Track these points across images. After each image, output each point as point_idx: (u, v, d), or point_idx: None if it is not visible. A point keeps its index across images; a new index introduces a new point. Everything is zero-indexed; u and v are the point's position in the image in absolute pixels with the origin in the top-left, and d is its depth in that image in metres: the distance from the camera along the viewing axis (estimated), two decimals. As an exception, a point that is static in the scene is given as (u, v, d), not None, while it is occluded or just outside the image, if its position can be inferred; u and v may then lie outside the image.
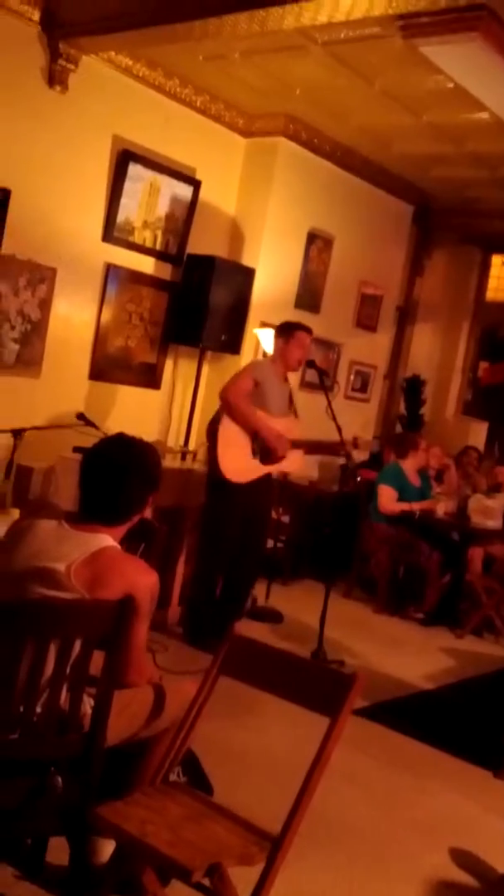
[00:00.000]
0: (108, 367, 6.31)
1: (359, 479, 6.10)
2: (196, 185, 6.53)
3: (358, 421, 6.43)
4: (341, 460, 5.50)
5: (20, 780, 2.24)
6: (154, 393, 6.70)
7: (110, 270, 6.18)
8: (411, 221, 8.44)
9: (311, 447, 5.21)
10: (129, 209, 6.18)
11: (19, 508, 4.42)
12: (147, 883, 2.31)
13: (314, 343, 5.39)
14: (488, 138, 6.35)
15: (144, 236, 6.36)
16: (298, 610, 5.78)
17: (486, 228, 8.49)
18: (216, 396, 5.02)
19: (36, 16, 5.41)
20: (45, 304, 5.79)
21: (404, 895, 2.86)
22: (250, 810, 2.32)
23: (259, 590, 5.92)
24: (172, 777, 2.45)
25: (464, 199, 8.10)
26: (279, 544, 6.66)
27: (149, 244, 6.39)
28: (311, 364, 5.25)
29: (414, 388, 8.90)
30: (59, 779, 2.26)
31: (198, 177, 6.57)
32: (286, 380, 5.20)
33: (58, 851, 2.55)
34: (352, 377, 8.08)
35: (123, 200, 6.10)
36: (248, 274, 6.69)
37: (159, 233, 6.44)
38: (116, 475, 2.45)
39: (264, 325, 6.71)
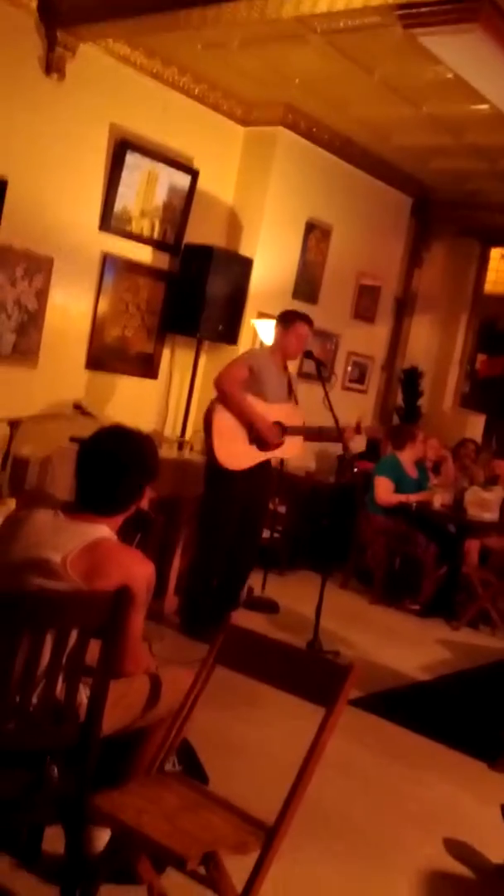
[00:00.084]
0: (105, 356, 6.30)
1: (356, 470, 6.11)
2: (194, 174, 6.51)
3: (355, 412, 6.42)
4: (339, 451, 5.49)
5: (16, 771, 2.24)
6: (151, 383, 6.69)
7: (107, 260, 6.16)
8: (410, 213, 8.41)
9: (310, 434, 5.20)
10: (127, 198, 6.15)
11: (16, 498, 4.42)
12: (142, 871, 2.32)
13: (312, 333, 5.37)
14: (488, 130, 6.32)
15: (142, 226, 6.33)
16: (295, 600, 5.79)
17: (485, 221, 8.47)
18: (213, 386, 5.02)
19: (33, 3, 5.38)
20: (41, 294, 5.77)
21: (399, 885, 2.88)
22: (245, 800, 2.33)
23: (255, 580, 5.92)
24: (168, 766, 2.46)
25: (463, 191, 8.08)
26: (276, 535, 6.67)
27: (146, 234, 6.37)
28: (308, 355, 5.25)
29: (411, 379, 8.90)
30: (56, 768, 2.26)
31: (196, 166, 6.55)
32: (285, 368, 5.19)
33: (54, 840, 2.56)
34: (349, 368, 8.07)
35: (121, 189, 6.07)
36: (246, 264, 6.67)
37: (157, 222, 6.42)
38: (113, 466, 2.45)
39: (262, 315, 6.71)
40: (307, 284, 7.34)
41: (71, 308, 6.03)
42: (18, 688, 2.22)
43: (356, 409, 7.17)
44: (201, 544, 5.09)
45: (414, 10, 4.49)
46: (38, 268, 5.71)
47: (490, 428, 8.72)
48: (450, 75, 5.35)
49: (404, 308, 9.01)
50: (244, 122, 6.90)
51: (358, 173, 7.56)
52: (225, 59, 5.97)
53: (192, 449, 6.21)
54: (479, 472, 7.44)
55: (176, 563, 5.30)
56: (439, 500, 6.67)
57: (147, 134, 6.21)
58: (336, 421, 4.95)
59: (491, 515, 6.61)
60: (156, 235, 6.43)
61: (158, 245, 6.46)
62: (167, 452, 5.70)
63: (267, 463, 5.15)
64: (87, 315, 6.15)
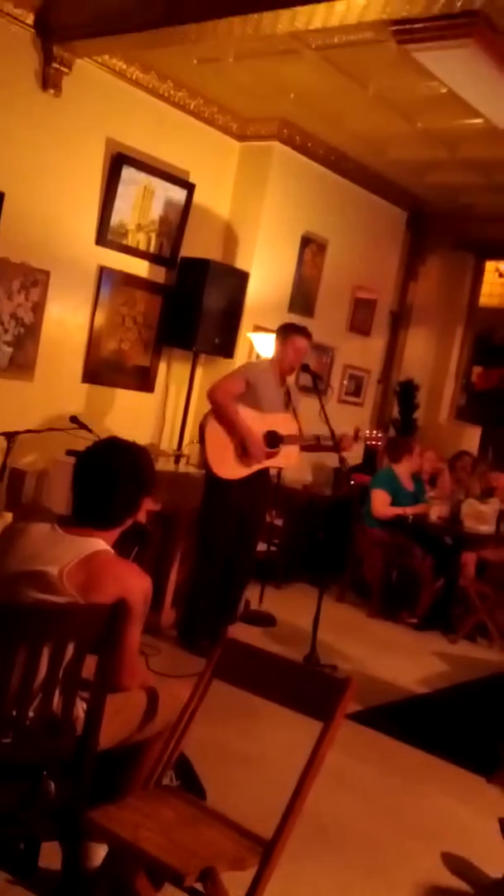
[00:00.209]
0: (101, 370, 6.31)
1: (352, 482, 6.11)
2: (190, 188, 6.54)
3: (351, 425, 6.42)
4: (335, 464, 5.49)
5: (13, 784, 2.24)
6: (147, 396, 6.69)
7: (104, 273, 6.18)
8: (405, 226, 8.45)
9: (306, 444, 5.21)
10: (123, 212, 6.18)
11: (12, 512, 4.42)
12: (140, 887, 2.30)
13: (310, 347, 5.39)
14: (482, 144, 6.36)
15: (138, 239, 6.35)
16: (292, 614, 5.78)
17: (480, 234, 8.51)
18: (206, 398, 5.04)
19: (30, 19, 5.42)
20: (38, 307, 5.78)
21: (397, 900, 2.86)
22: (243, 814, 2.32)
23: (252, 593, 5.91)
24: (165, 781, 2.45)
25: (457, 204, 8.12)
26: (273, 548, 6.66)
27: (142, 247, 6.39)
28: (305, 368, 5.26)
29: (407, 392, 8.92)
30: (52, 783, 2.25)
31: (192, 180, 6.58)
32: (285, 381, 5.19)
33: (51, 856, 2.54)
34: (345, 381, 8.08)
35: (117, 203, 6.10)
36: (242, 277, 6.69)
37: (153, 236, 6.44)
38: (109, 479, 2.44)
39: (258, 328, 6.72)
40: (303, 298, 7.36)
41: (68, 321, 6.04)
42: (15, 701, 2.21)
43: (352, 421, 7.16)
44: (199, 555, 5.08)
45: (408, 26, 4.54)
46: (35, 281, 5.72)
47: (486, 440, 8.73)
48: (444, 90, 5.39)
49: (400, 321, 9.04)
50: (240, 136, 6.94)
51: (353, 187, 7.60)
52: (220, 73, 6.00)
53: (188, 462, 6.21)
54: (476, 484, 7.44)
55: (173, 576, 5.29)
56: (436, 512, 6.67)
57: (143, 148, 6.24)
58: (332, 434, 4.95)
59: (487, 528, 6.61)
60: (152, 249, 6.45)
61: (155, 258, 6.48)
62: (164, 465, 5.70)
63: (264, 473, 5.15)
64: (84, 328, 6.16)
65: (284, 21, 4.58)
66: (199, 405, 6.52)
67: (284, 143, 6.91)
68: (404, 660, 5.55)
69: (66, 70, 5.59)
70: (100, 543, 2.39)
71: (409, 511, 6.55)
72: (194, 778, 2.86)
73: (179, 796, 2.39)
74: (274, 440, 5.02)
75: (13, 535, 2.45)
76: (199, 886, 2.12)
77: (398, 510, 6.54)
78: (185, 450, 6.49)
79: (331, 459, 6.14)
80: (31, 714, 2.24)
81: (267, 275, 6.99)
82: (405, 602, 6.55)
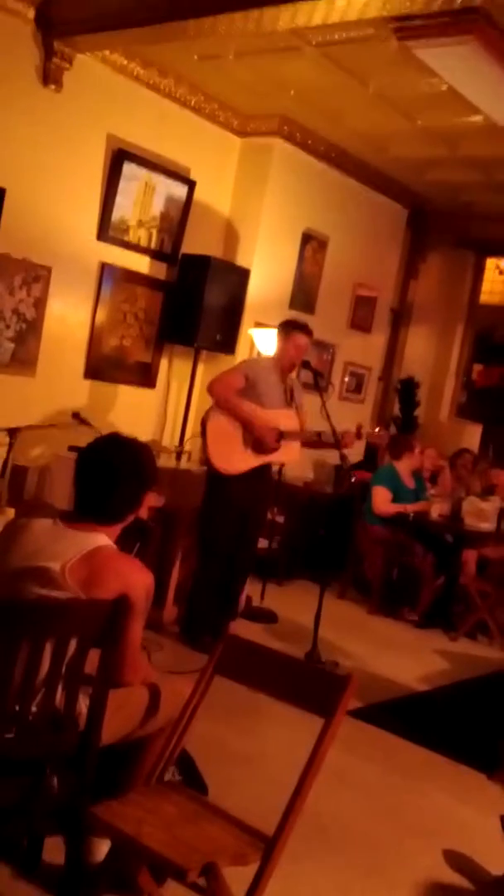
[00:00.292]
0: (103, 366, 6.31)
1: (353, 480, 6.10)
2: (191, 184, 6.53)
3: (352, 422, 6.42)
4: (336, 461, 5.49)
5: (16, 779, 2.24)
6: (149, 392, 6.69)
7: (105, 269, 6.18)
8: (406, 224, 8.45)
9: (307, 439, 5.20)
10: (124, 208, 6.17)
11: (14, 508, 4.42)
12: (142, 882, 2.31)
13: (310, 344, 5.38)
14: (483, 142, 6.36)
15: (139, 235, 6.35)
16: (293, 611, 5.78)
17: (480, 232, 8.51)
18: (206, 392, 5.04)
19: (31, 14, 5.41)
20: (40, 303, 5.78)
21: (398, 896, 2.86)
22: (245, 810, 2.32)
23: (254, 590, 5.92)
24: (167, 777, 2.45)
25: (458, 202, 8.11)
26: (274, 545, 6.66)
27: (143, 243, 6.39)
28: (306, 365, 5.25)
29: (408, 389, 8.92)
30: (55, 778, 2.25)
31: (192, 176, 6.57)
32: (287, 377, 5.19)
33: (54, 851, 2.54)
34: (346, 378, 8.08)
35: (118, 199, 6.09)
36: (243, 274, 6.69)
37: (154, 232, 6.44)
38: (111, 474, 2.45)
39: (259, 325, 6.72)
40: (304, 295, 7.36)
41: (69, 317, 6.03)
42: (18, 696, 2.21)
43: (353, 419, 7.16)
44: (201, 552, 5.09)
45: (409, 23, 4.53)
46: (37, 277, 5.72)
47: (487, 438, 8.72)
48: (444, 87, 5.38)
49: (400, 318, 9.04)
50: (240, 132, 6.93)
51: (354, 184, 7.59)
52: (221, 70, 5.99)
53: (190, 458, 6.21)
54: (476, 481, 7.44)
55: (175, 572, 5.29)
56: (437, 510, 6.67)
57: (144, 144, 6.23)
58: (333, 431, 4.95)
59: (488, 525, 6.61)
60: (153, 245, 6.45)
61: (156, 255, 6.48)
62: (165, 462, 5.70)
63: (266, 469, 5.15)
64: (86, 324, 6.16)
65: (285, 17, 4.57)
66: (200, 401, 6.52)
67: (285, 140, 6.91)
68: (405, 657, 5.55)
69: (66, 65, 5.58)
70: (102, 539, 2.40)
71: (410, 508, 6.55)
72: (196, 774, 2.87)
73: (181, 792, 2.39)
74: (278, 435, 5.02)
75: (15, 530, 2.45)
76: (201, 882, 2.12)
77: (399, 507, 6.54)
78: (187, 446, 6.49)
79: (332, 456, 6.13)
80: (33, 709, 2.24)
81: (268, 271, 6.99)
82: (406, 599, 6.56)
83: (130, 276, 6.35)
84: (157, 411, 6.78)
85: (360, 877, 2.94)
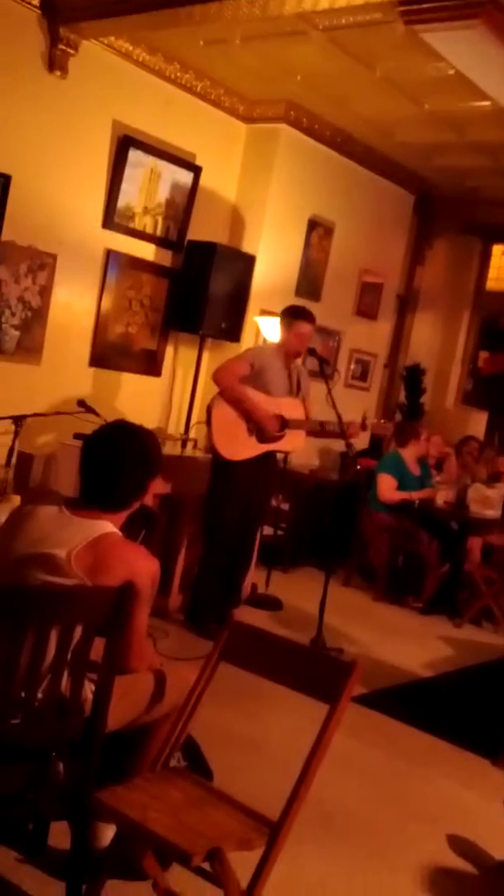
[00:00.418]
0: (108, 353, 6.31)
1: (359, 467, 6.09)
2: (196, 171, 6.51)
3: (358, 409, 6.43)
4: (342, 448, 5.49)
5: (22, 765, 2.25)
6: (154, 380, 6.69)
7: (111, 257, 6.17)
8: (412, 210, 8.41)
9: (311, 429, 5.20)
10: (130, 195, 6.16)
11: (20, 495, 4.43)
12: (148, 867, 2.32)
13: (315, 331, 5.36)
14: (490, 127, 6.32)
15: (145, 222, 6.34)
16: (298, 597, 5.79)
17: (487, 218, 8.46)
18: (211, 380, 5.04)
19: (36, 1, 5.38)
20: (45, 291, 5.78)
21: (402, 881, 2.88)
22: (250, 796, 2.33)
23: (259, 577, 5.93)
24: (173, 762, 2.46)
25: (465, 188, 8.08)
26: (279, 532, 6.67)
27: (149, 230, 6.37)
28: (312, 352, 5.24)
29: (414, 376, 8.90)
30: (61, 764, 2.27)
31: (198, 163, 6.55)
32: (293, 365, 5.18)
33: (60, 836, 2.57)
34: (352, 365, 8.07)
35: (124, 186, 6.08)
36: (249, 261, 6.67)
37: (160, 219, 6.42)
38: (116, 461, 2.45)
39: (264, 312, 6.70)
40: (310, 281, 7.34)
41: (75, 305, 6.03)
42: (24, 683, 2.22)
43: (359, 406, 7.16)
44: (206, 539, 5.10)
45: (415, 7, 4.49)
46: (42, 264, 5.71)
47: (492, 425, 8.71)
48: (451, 72, 5.35)
49: (406, 305, 9.01)
50: (246, 118, 6.90)
51: (360, 170, 7.55)
52: (227, 55, 5.96)
53: (195, 446, 6.21)
54: (482, 469, 7.43)
55: (180, 559, 5.30)
56: (442, 497, 6.67)
57: (149, 130, 6.21)
58: (339, 418, 4.94)
59: (493, 512, 6.61)
60: (159, 232, 6.43)
61: (161, 242, 6.46)
62: (171, 449, 5.69)
63: (270, 457, 5.15)
64: (91, 312, 6.16)
65: (291, 2, 4.56)
66: (205, 389, 6.52)
67: (291, 126, 6.87)
68: (410, 644, 5.57)
69: (72, 52, 5.56)
70: (107, 526, 2.40)
71: (416, 496, 6.55)
72: (201, 759, 2.88)
73: (187, 777, 2.41)
74: (280, 424, 5.02)
75: (21, 518, 2.46)
76: (206, 866, 2.13)
77: (404, 495, 6.54)
78: (192, 433, 6.49)
79: (337, 444, 6.13)
80: (39, 696, 2.25)
81: (274, 258, 6.97)
82: (411, 586, 6.56)
83: (136, 264, 6.34)
84: (163, 399, 6.79)
85: (365, 862, 2.95)
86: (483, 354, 9.25)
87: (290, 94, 6.60)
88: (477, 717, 4.45)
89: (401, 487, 6.57)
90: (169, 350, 6.73)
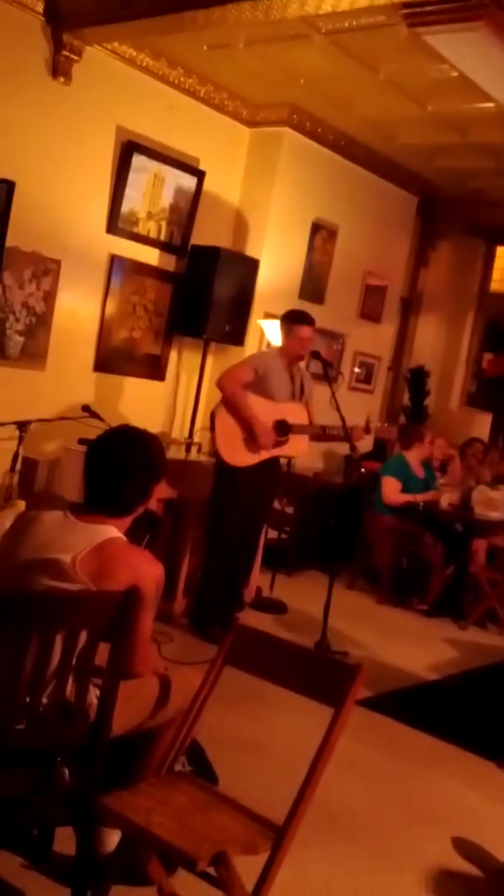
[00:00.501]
0: (112, 358, 6.32)
1: (363, 470, 6.10)
2: (200, 175, 6.52)
3: (362, 412, 6.43)
4: (346, 451, 5.49)
5: (27, 770, 2.26)
6: (159, 384, 6.70)
7: (115, 262, 6.18)
8: (416, 212, 8.41)
9: (315, 433, 5.20)
10: (134, 200, 6.17)
11: (25, 500, 4.44)
12: (153, 872, 2.33)
13: (318, 333, 5.38)
14: (493, 128, 6.32)
15: (149, 227, 6.35)
16: (302, 601, 5.80)
17: (491, 219, 8.46)
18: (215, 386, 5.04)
19: (40, 7, 5.40)
20: (49, 297, 5.79)
21: (407, 884, 2.88)
22: (255, 799, 2.34)
23: (263, 581, 5.94)
24: (178, 767, 2.47)
25: (468, 189, 8.07)
26: (283, 535, 6.67)
27: (153, 235, 6.38)
28: (316, 355, 5.25)
29: (418, 379, 8.89)
30: (66, 769, 2.27)
31: (202, 167, 6.56)
32: (296, 368, 5.18)
33: (65, 841, 2.57)
34: (356, 368, 8.07)
35: (127, 191, 6.09)
36: (252, 265, 6.68)
37: (163, 224, 6.44)
38: (120, 466, 2.46)
39: (268, 315, 6.71)
40: (313, 284, 7.34)
41: (79, 310, 6.04)
42: (28, 687, 2.23)
43: (363, 409, 7.17)
44: (209, 543, 5.10)
45: (418, 9, 4.51)
46: (46, 270, 5.73)
47: (497, 427, 8.71)
48: (455, 74, 5.35)
49: (410, 307, 9.01)
50: (249, 122, 6.91)
51: (363, 173, 7.56)
52: (230, 59, 5.97)
53: (199, 450, 6.22)
54: (486, 471, 7.43)
55: (185, 564, 5.31)
56: (446, 499, 6.66)
57: (153, 135, 6.22)
58: (343, 421, 4.95)
59: (498, 514, 6.60)
60: (162, 237, 6.45)
61: (165, 247, 6.48)
62: (175, 454, 5.71)
63: (274, 461, 5.16)
64: (95, 317, 6.17)
65: (294, 5, 4.55)
66: (209, 393, 6.53)
67: (294, 129, 6.88)
68: (414, 646, 5.56)
69: (75, 58, 5.58)
70: (112, 531, 2.41)
71: (420, 498, 6.55)
72: (206, 764, 2.89)
73: (192, 782, 2.41)
74: (283, 429, 5.02)
75: (26, 523, 2.47)
76: (211, 871, 2.14)
77: (409, 497, 6.54)
78: (196, 438, 6.50)
79: (342, 447, 6.13)
80: (44, 701, 2.26)
81: (277, 262, 6.98)
82: (415, 589, 6.56)
83: (140, 268, 6.35)
84: (167, 403, 6.79)
85: (370, 863, 2.96)
86: (487, 356, 9.25)
87: (293, 98, 6.61)
88: (482, 720, 4.45)
89: (405, 490, 6.57)
90: (173, 354, 6.73)
